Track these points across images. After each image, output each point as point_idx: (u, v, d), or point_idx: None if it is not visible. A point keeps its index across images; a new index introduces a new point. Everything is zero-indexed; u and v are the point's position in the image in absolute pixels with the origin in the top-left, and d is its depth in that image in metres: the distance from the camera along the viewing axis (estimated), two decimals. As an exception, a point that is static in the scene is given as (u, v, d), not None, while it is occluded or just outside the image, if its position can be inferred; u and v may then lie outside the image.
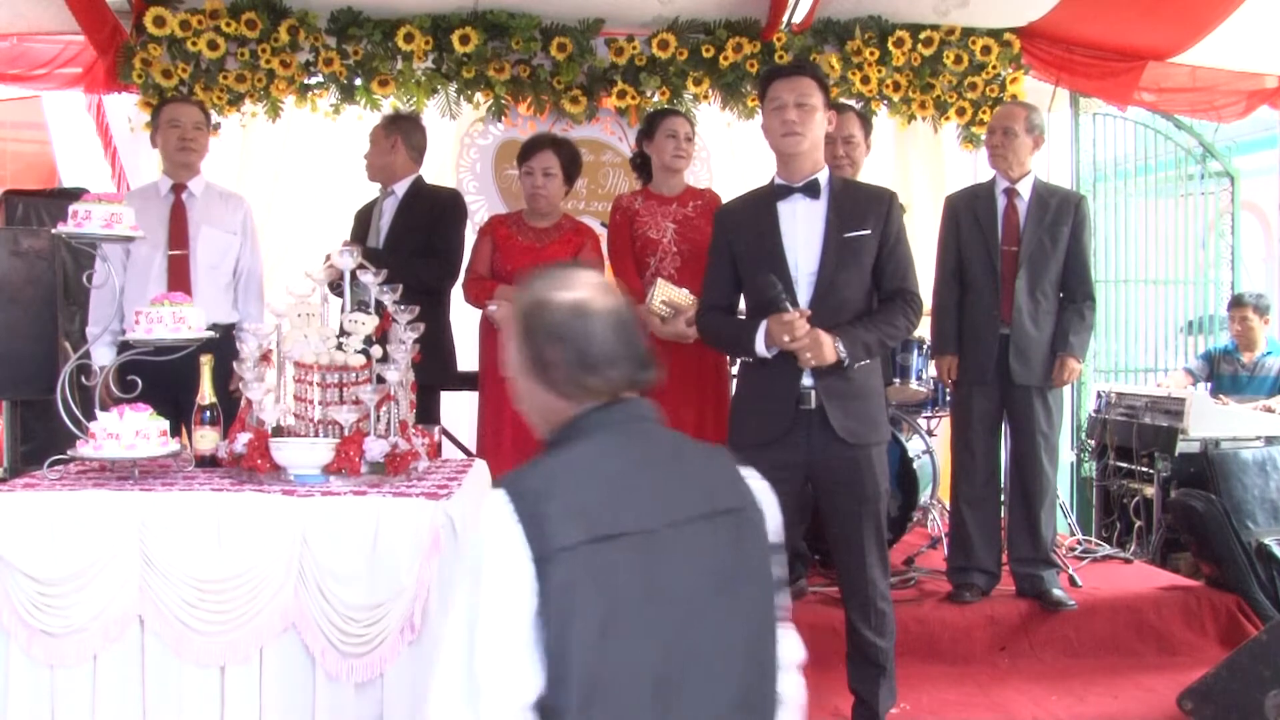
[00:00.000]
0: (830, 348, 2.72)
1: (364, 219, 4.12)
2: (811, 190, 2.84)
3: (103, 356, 3.44)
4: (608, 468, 1.45)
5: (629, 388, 1.52)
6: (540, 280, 1.56)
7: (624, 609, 1.37)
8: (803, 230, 2.83)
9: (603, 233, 4.11)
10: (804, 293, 2.80)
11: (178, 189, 3.82)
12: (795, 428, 2.80)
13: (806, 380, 2.78)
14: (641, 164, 4.06)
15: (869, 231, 2.82)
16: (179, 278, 3.70)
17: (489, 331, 3.86)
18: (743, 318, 2.99)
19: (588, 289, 1.53)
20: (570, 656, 1.33)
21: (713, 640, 1.45)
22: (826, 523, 2.96)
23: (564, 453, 1.46)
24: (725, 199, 3.99)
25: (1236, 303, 5.38)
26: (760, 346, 2.80)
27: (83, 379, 2.86)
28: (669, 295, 3.76)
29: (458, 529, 2.34)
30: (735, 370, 4.56)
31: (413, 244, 3.93)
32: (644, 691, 1.39)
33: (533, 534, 1.32)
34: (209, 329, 2.81)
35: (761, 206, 2.89)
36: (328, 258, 2.90)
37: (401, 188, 4.06)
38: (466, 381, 4.08)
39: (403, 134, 4.09)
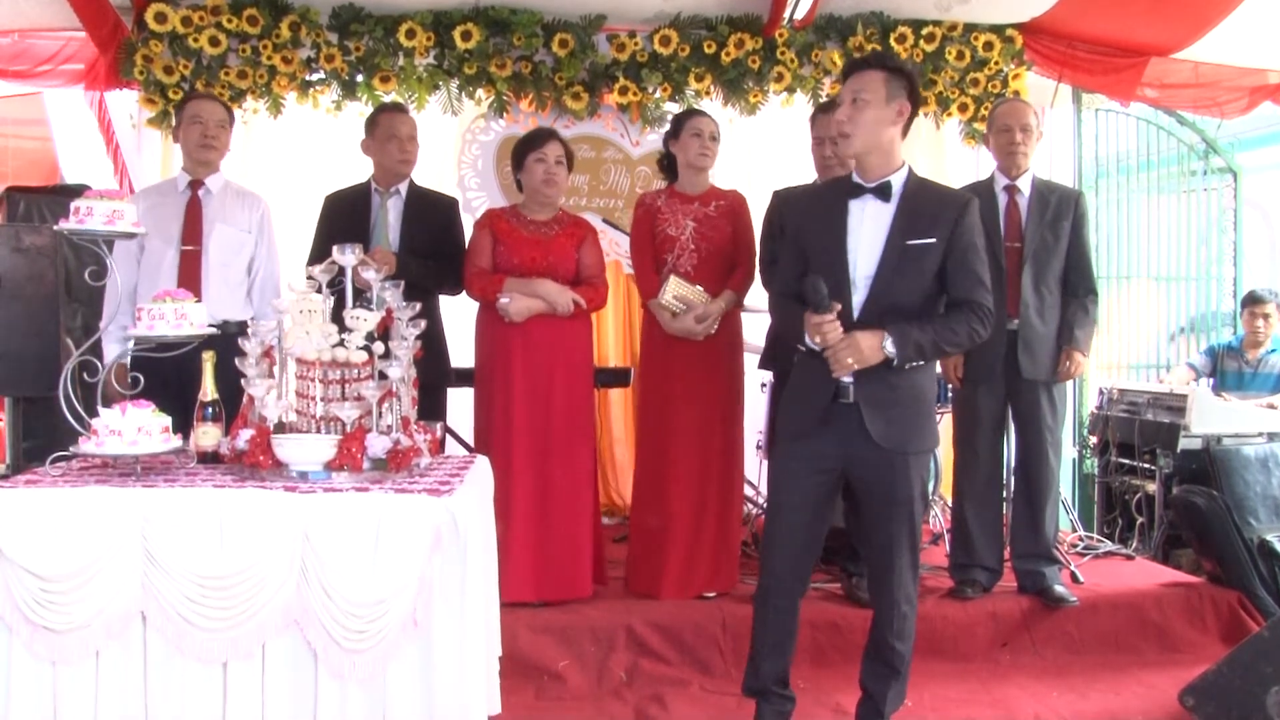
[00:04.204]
0: (872, 349, 2.64)
1: (355, 215, 3.96)
2: (883, 192, 2.74)
3: (111, 352, 3.44)
4: None
5: None
6: None
7: None
8: (867, 232, 2.74)
9: (604, 229, 4.10)
10: (859, 295, 2.72)
11: (195, 185, 3.83)
12: (831, 422, 2.74)
13: (846, 376, 2.71)
14: (668, 165, 4.05)
15: (934, 240, 2.71)
16: (189, 274, 3.69)
17: (487, 326, 3.84)
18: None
19: None
20: None
21: None
22: (860, 521, 2.92)
23: None
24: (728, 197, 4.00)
25: (1254, 299, 5.32)
26: (808, 339, 2.75)
27: (85, 375, 2.85)
28: (681, 291, 3.80)
29: (460, 525, 2.34)
30: (758, 369, 4.53)
31: (423, 246, 3.91)
32: None
33: None
34: (219, 326, 2.79)
35: (833, 203, 2.80)
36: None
37: (404, 187, 4.03)
38: (461, 378, 4.06)
39: None
